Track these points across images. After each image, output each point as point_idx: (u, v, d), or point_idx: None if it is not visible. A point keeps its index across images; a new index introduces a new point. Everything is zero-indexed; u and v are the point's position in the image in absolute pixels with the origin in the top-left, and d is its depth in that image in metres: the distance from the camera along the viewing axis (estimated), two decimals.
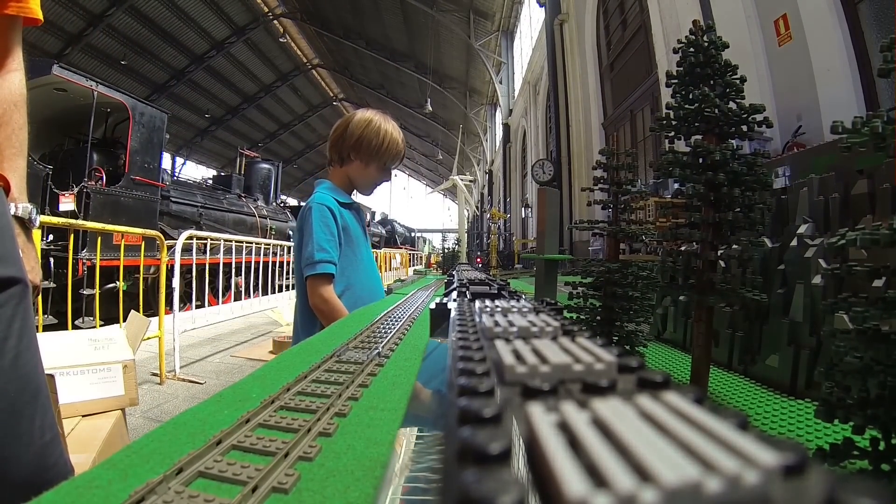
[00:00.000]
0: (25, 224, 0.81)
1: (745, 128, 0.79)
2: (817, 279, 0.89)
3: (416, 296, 1.52)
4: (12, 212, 0.78)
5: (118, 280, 3.71)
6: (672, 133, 0.83)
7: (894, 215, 0.84)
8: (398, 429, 0.47)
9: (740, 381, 0.99)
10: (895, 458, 0.48)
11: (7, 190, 0.79)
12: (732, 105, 0.79)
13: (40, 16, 0.85)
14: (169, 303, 3.13)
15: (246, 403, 0.51)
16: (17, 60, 0.84)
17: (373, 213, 17.85)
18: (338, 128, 1.51)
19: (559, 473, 0.11)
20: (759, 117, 0.78)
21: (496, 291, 0.59)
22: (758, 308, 1.00)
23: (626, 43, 8.43)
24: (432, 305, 0.53)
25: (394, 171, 1.63)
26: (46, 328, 3.55)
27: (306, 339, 0.97)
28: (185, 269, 5.69)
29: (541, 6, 11.79)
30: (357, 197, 1.60)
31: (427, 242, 28.65)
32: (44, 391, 0.73)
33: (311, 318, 1.37)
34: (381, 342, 0.78)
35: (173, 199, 6.26)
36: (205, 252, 5.31)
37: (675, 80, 0.83)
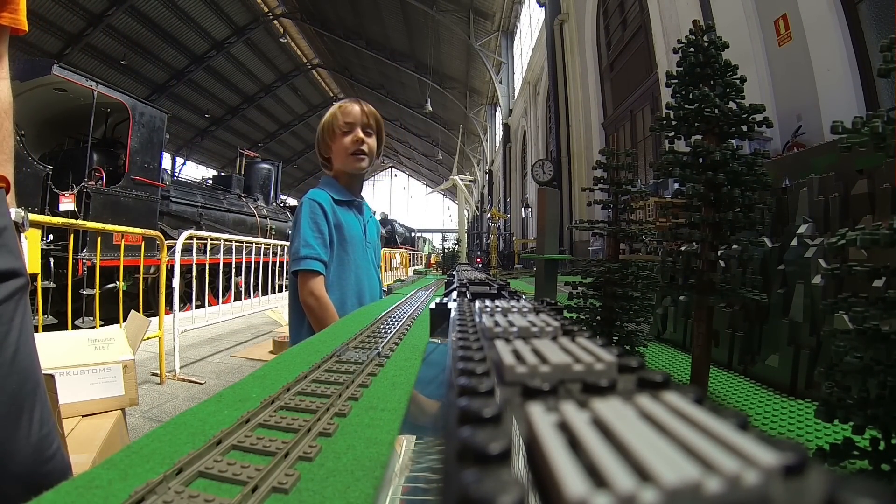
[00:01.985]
0: (17, 228, 0.82)
1: (745, 128, 0.79)
2: (817, 279, 0.89)
3: (416, 296, 1.52)
4: None
5: (118, 280, 3.71)
6: (672, 133, 0.83)
7: (894, 215, 0.84)
8: (398, 429, 0.47)
9: (740, 381, 0.99)
10: (895, 458, 0.48)
11: (7, 190, 0.80)
12: (732, 105, 0.79)
13: (27, 27, 0.86)
14: (169, 303, 3.13)
15: (246, 403, 0.51)
16: (3, 69, 0.85)
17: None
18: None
19: (559, 473, 0.11)
20: (759, 117, 0.78)
21: (496, 291, 0.59)
22: (758, 308, 1.00)
23: (626, 43, 8.44)
24: (432, 305, 0.53)
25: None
26: (46, 328, 3.55)
27: (299, 337, 0.95)
28: (185, 269, 5.69)
29: (541, 6, 11.80)
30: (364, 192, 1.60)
31: (427, 242, 28.61)
32: (41, 384, 0.76)
33: (300, 315, 1.35)
34: (381, 342, 0.78)
35: (173, 199, 6.26)
36: (205, 252, 5.30)
37: (675, 80, 0.83)
